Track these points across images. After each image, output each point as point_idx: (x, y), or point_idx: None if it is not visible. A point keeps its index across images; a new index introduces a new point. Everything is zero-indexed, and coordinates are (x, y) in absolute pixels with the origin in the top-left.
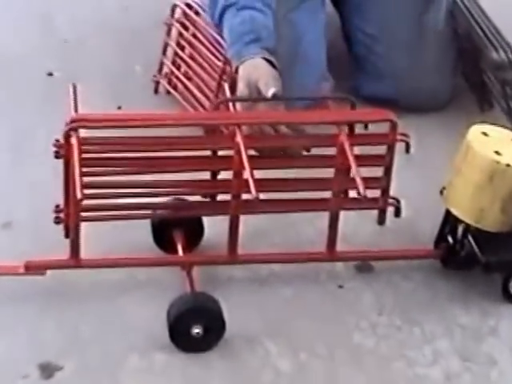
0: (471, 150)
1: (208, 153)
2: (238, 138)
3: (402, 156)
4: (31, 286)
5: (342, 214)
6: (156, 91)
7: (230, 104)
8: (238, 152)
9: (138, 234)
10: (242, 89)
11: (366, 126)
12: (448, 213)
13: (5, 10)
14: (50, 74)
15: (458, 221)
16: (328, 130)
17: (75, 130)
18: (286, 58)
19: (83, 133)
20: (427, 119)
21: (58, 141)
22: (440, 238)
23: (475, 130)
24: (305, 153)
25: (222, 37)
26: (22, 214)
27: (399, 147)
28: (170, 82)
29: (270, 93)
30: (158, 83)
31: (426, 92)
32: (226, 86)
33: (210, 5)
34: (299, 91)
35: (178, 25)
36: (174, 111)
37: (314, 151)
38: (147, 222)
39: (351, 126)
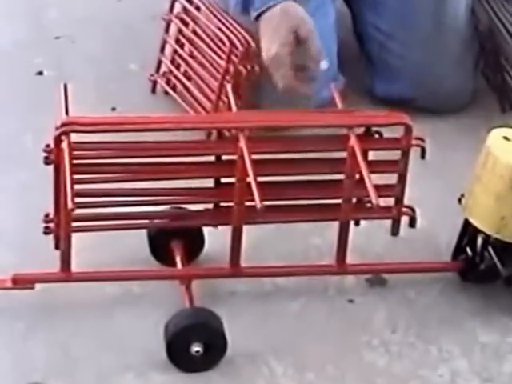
0: (491, 156)
1: (209, 158)
2: (242, 143)
3: (417, 162)
4: (19, 301)
5: (353, 224)
6: (153, 91)
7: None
8: (241, 157)
9: (134, 246)
10: (284, 34)
11: (380, 134)
12: (467, 223)
13: None
14: (40, 73)
15: (477, 231)
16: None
17: (66, 134)
18: None
19: (75, 137)
20: (444, 122)
21: (48, 146)
22: (458, 250)
23: (496, 135)
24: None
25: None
26: (10, 224)
27: (414, 153)
28: (168, 82)
29: (323, 65)
30: (155, 83)
31: (444, 92)
32: (229, 87)
33: None
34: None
35: (177, 20)
36: (172, 113)
37: (323, 155)
38: (143, 233)
39: (367, 129)
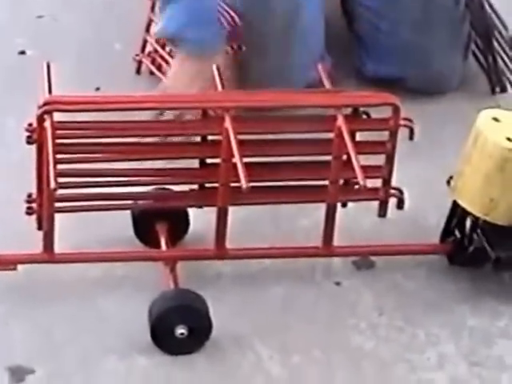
0: (481, 137)
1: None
2: (227, 123)
3: (405, 143)
4: (0, 283)
5: (340, 206)
6: (138, 71)
7: None
8: (227, 138)
9: (118, 227)
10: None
11: (367, 115)
12: (455, 204)
13: None
14: (22, 53)
15: (466, 213)
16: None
17: (49, 113)
18: (280, 35)
19: (58, 116)
20: (434, 103)
21: (30, 125)
22: (446, 232)
23: (486, 115)
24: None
25: None
26: None
27: (402, 134)
28: (153, 62)
29: None
30: (140, 63)
31: (434, 73)
32: (215, 67)
33: None
34: (296, 72)
35: None
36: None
37: (310, 136)
38: (127, 214)
39: (355, 110)
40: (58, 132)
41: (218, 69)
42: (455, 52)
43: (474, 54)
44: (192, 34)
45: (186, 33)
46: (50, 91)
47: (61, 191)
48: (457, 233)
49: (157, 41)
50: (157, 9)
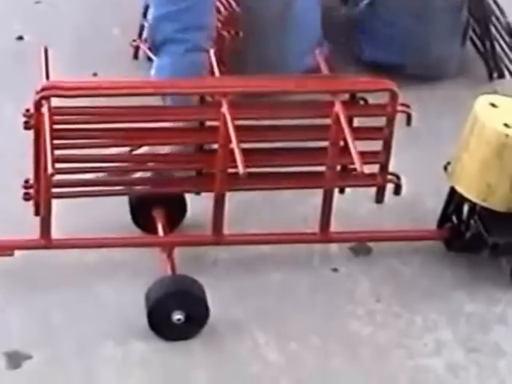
0: (478, 123)
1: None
2: (224, 109)
3: (402, 129)
4: None
5: (337, 192)
6: (135, 57)
7: None
8: (224, 123)
9: (115, 213)
10: None
11: (365, 101)
12: (453, 190)
13: None
14: (20, 38)
15: (463, 199)
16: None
17: (46, 98)
18: (276, 22)
19: (55, 102)
20: (431, 89)
21: (28, 110)
22: (444, 218)
23: (483, 101)
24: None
25: None
26: None
27: (400, 119)
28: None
29: None
30: (137, 48)
31: (433, 59)
32: (212, 52)
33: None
34: (293, 58)
35: None
36: None
37: (307, 121)
38: (125, 200)
39: (352, 95)
40: (56, 117)
41: (216, 55)
42: (453, 38)
43: (472, 40)
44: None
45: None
46: (47, 77)
47: (58, 177)
48: (454, 219)
49: None
50: None
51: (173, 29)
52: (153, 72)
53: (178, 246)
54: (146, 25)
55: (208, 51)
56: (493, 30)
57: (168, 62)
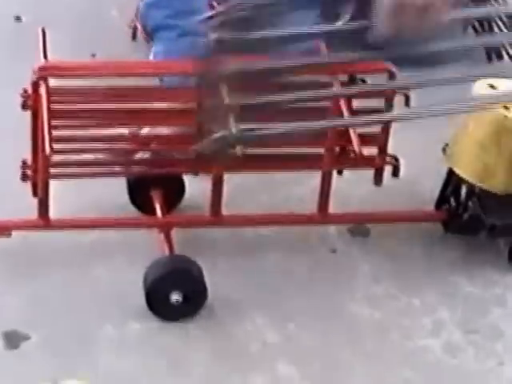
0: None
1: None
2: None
3: (401, 110)
4: None
5: (336, 174)
6: (134, 37)
7: None
8: None
9: (113, 193)
10: None
11: (363, 82)
12: (451, 172)
13: None
14: (18, 19)
15: (461, 181)
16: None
17: (44, 78)
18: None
19: (53, 82)
20: (430, 71)
21: (25, 91)
22: (442, 200)
23: (482, 83)
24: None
25: None
26: None
27: (399, 101)
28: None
29: None
30: (135, 29)
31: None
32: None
33: None
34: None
35: None
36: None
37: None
38: (123, 180)
39: (351, 76)
40: (53, 98)
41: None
42: (455, 25)
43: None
44: None
45: None
46: (45, 57)
47: (55, 157)
48: (452, 200)
49: None
50: None
51: (163, 15)
52: (151, 58)
53: (176, 227)
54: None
55: (201, 34)
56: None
57: (161, 49)
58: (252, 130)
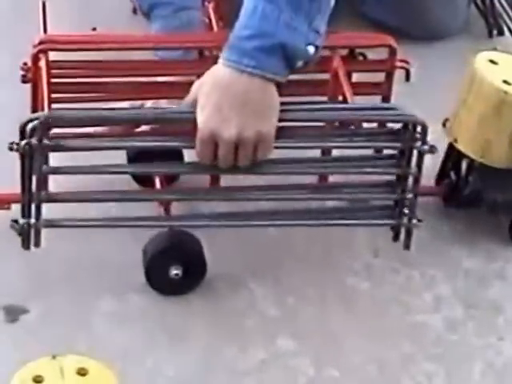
0: (477, 79)
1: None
2: None
3: (401, 85)
4: None
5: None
6: (135, 11)
7: None
8: None
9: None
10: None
11: (364, 56)
12: (451, 147)
13: None
14: None
15: (461, 155)
16: None
17: (44, 52)
18: None
19: (53, 56)
20: (430, 46)
21: (25, 64)
22: (442, 175)
23: (482, 58)
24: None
25: None
26: None
27: (399, 75)
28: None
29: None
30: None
31: (434, 26)
32: (210, 7)
33: None
34: None
35: None
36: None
37: (304, 76)
38: (122, 153)
39: (351, 51)
40: (53, 71)
41: (215, 10)
42: (457, 4)
43: None
44: None
45: None
46: (45, 30)
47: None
48: (452, 175)
49: None
50: None
51: None
52: None
53: (176, 201)
54: None
55: (198, 8)
56: None
57: (159, 27)
58: None
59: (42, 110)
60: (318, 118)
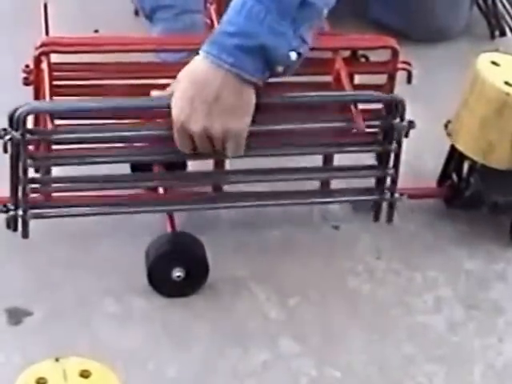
0: (479, 80)
1: None
2: None
3: (403, 87)
4: None
5: None
6: (136, 13)
7: None
8: None
9: (115, 169)
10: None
11: (366, 58)
12: (453, 148)
13: None
14: None
15: (463, 157)
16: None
17: (46, 54)
18: None
19: (55, 58)
20: (433, 47)
21: (27, 66)
22: (444, 176)
23: (484, 59)
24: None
25: None
26: None
27: (401, 77)
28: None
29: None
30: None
31: (437, 28)
32: (212, 9)
33: None
34: None
35: None
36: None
37: (307, 78)
38: None
39: (353, 53)
40: (55, 74)
41: (217, 12)
42: (461, 1)
43: None
44: None
45: None
46: (47, 32)
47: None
48: (454, 177)
49: None
50: None
51: None
52: None
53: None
54: None
55: (200, 11)
56: None
57: (161, 30)
58: None
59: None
60: (296, 102)
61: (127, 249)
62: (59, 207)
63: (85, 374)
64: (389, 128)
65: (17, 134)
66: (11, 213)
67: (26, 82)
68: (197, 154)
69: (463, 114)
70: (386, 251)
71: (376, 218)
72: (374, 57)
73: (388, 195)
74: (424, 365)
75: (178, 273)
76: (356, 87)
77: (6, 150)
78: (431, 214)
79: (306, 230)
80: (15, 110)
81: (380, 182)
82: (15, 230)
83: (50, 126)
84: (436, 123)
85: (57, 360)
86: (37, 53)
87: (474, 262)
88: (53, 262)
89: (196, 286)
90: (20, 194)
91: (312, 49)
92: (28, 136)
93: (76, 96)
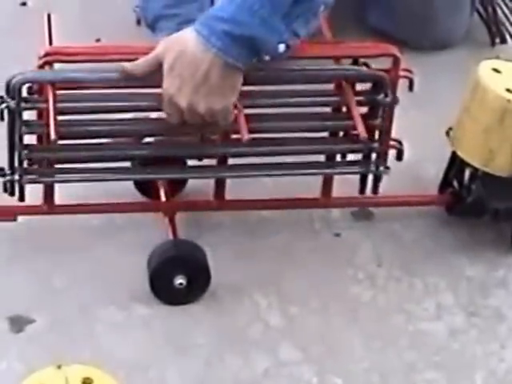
0: (481, 87)
1: None
2: None
3: (405, 94)
4: (0, 234)
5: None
6: (138, 22)
7: None
8: None
9: None
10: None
11: (367, 66)
12: (454, 155)
13: None
14: (24, 4)
15: (464, 164)
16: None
17: (50, 64)
18: None
19: (58, 67)
20: (434, 55)
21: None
22: (445, 183)
23: (486, 66)
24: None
25: None
26: None
27: (402, 85)
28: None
29: None
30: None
31: (439, 31)
32: None
33: None
34: None
35: None
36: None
37: (308, 87)
38: (127, 164)
39: (355, 61)
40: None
41: None
42: (461, 9)
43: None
44: None
45: None
46: (50, 42)
47: (61, 142)
48: (455, 184)
49: None
50: None
51: (162, 5)
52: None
53: (180, 211)
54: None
55: None
56: None
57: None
58: None
59: (48, 120)
60: (290, 76)
61: (129, 256)
62: (55, 173)
63: (87, 382)
64: (374, 103)
65: (12, 103)
66: (8, 177)
67: (30, 92)
68: (187, 126)
69: (464, 121)
70: (386, 258)
71: (361, 191)
72: (375, 64)
73: (373, 168)
74: (425, 372)
75: (179, 280)
76: (358, 94)
77: (2, 118)
78: (432, 221)
79: (307, 238)
80: (11, 79)
81: (366, 156)
82: (12, 194)
83: (50, 95)
84: (437, 130)
85: (59, 367)
86: (40, 62)
87: (475, 269)
88: (55, 269)
89: (198, 294)
90: (16, 159)
91: (314, 57)
92: (23, 104)
93: (80, 104)
